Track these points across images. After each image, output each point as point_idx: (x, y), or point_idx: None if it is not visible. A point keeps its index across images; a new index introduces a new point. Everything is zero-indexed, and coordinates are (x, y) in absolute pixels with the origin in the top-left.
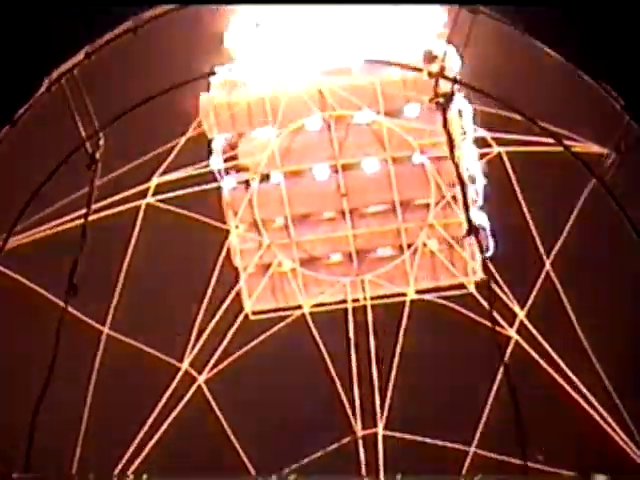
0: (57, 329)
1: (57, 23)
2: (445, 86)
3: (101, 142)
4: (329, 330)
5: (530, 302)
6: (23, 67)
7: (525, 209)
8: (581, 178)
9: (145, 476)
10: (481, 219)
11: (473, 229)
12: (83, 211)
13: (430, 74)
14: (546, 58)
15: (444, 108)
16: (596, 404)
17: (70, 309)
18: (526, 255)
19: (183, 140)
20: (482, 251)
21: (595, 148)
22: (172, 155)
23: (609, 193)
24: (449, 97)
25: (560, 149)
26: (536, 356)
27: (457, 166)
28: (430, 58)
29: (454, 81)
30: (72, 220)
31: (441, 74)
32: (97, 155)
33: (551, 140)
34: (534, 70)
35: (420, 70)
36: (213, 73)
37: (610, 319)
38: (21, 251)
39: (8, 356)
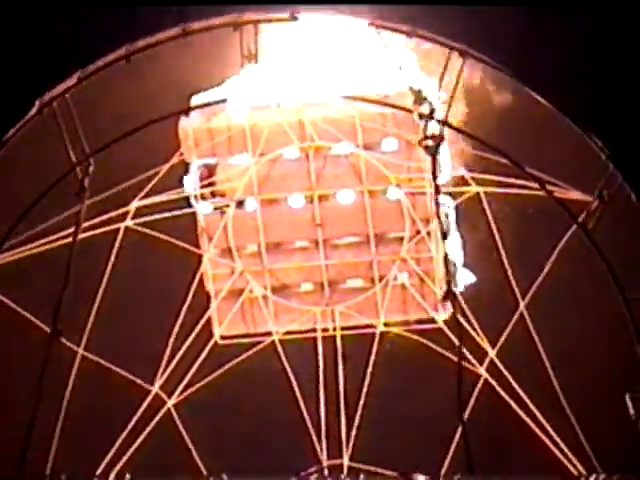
0: (43, 364)
1: (50, 47)
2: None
3: (91, 168)
4: (299, 358)
5: (502, 343)
6: (14, 90)
7: (502, 251)
8: (561, 224)
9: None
10: (453, 253)
11: (451, 294)
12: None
13: (421, 116)
14: (533, 102)
15: (433, 151)
16: (562, 445)
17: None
18: (502, 297)
19: (166, 167)
20: (453, 285)
21: (578, 195)
22: (155, 180)
23: (589, 239)
24: (438, 140)
25: (541, 193)
26: (503, 394)
27: (438, 206)
28: (419, 99)
29: (444, 124)
30: (56, 240)
31: (431, 116)
32: (86, 182)
33: (532, 184)
34: (520, 114)
35: (410, 111)
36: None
37: (583, 364)
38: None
39: None
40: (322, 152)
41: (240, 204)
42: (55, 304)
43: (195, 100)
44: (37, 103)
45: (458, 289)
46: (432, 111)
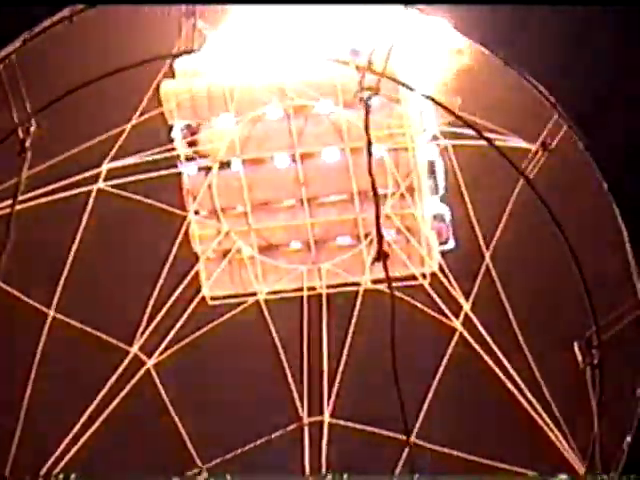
0: None
1: None
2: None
3: (32, 128)
4: (285, 317)
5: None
6: None
7: (469, 205)
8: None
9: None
10: (442, 209)
11: (382, 254)
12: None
13: (357, 68)
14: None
15: (367, 103)
16: (531, 398)
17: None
18: (473, 250)
19: (129, 125)
20: (442, 243)
21: (521, 143)
22: (120, 140)
23: (532, 188)
24: (373, 91)
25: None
26: (477, 346)
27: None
28: (355, 52)
29: (381, 75)
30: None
31: (368, 68)
32: (27, 142)
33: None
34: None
35: (347, 64)
36: (175, 55)
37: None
38: None
39: None
40: (304, 112)
41: (225, 165)
42: None
43: (178, 64)
44: None
45: (450, 244)
46: (369, 63)
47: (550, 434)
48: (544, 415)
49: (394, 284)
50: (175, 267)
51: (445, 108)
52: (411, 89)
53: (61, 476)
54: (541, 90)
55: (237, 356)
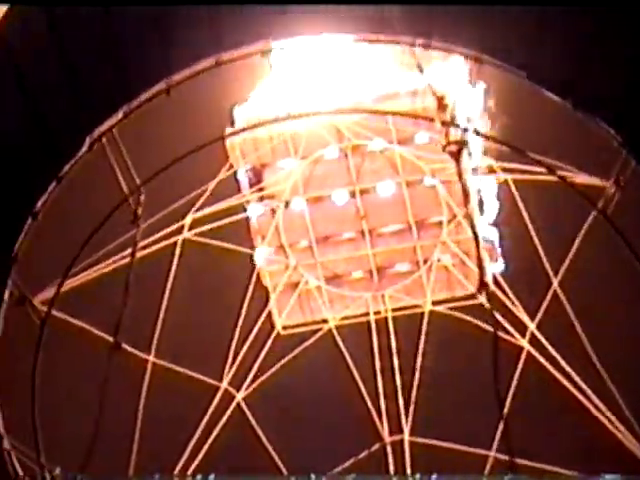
0: (105, 376)
1: (95, 85)
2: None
3: (142, 197)
4: (354, 342)
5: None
6: (66, 129)
7: (533, 233)
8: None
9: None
10: (490, 234)
11: (484, 285)
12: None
13: (443, 123)
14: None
15: (457, 157)
16: (602, 407)
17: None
18: (537, 275)
19: (215, 181)
20: (492, 262)
21: (596, 181)
22: (204, 196)
23: (607, 220)
24: (461, 145)
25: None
26: (546, 363)
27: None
28: (442, 105)
29: (464, 130)
30: (120, 260)
31: (452, 123)
32: (139, 211)
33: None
34: (537, 109)
35: (433, 120)
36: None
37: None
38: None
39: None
40: (360, 150)
41: (288, 204)
42: (117, 319)
43: (237, 112)
44: (87, 140)
45: (497, 267)
46: (453, 118)
47: (633, 448)
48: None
49: (456, 304)
50: (253, 302)
51: (514, 148)
52: (496, 141)
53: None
54: (609, 131)
55: (314, 383)
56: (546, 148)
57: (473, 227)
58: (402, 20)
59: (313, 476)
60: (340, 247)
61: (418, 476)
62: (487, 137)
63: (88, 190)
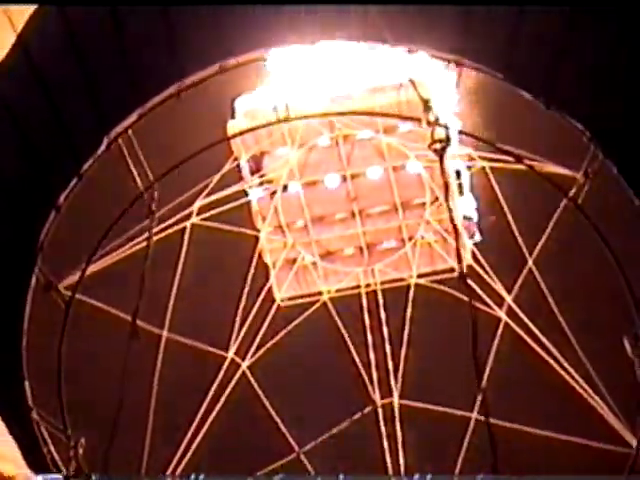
0: (125, 355)
1: (112, 89)
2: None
3: (155, 194)
4: (347, 312)
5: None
6: (85, 130)
7: (509, 216)
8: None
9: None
10: (469, 211)
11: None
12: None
13: (428, 123)
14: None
15: (441, 154)
16: (573, 373)
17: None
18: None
19: (219, 174)
20: (471, 237)
21: (568, 172)
22: (212, 184)
23: (577, 206)
24: (445, 143)
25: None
26: (522, 334)
27: (450, 210)
28: (427, 107)
29: (447, 128)
30: (135, 245)
31: (436, 123)
32: (153, 206)
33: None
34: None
35: (419, 120)
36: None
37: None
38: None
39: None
40: (349, 139)
41: (285, 188)
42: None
43: (238, 103)
44: (105, 140)
45: (477, 239)
46: (437, 118)
47: (602, 411)
48: (595, 397)
49: (438, 277)
50: (255, 277)
51: (486, 141)
52: (477, 138)
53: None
54: (578, 127)
55: (311, 351)
56: (526, 143)
57: (450, 212)
58: (383, 21)
59: (342, 476)
60: (333, 226)
61: (416, 477)
62: (466, 133)
63: (105, 186)
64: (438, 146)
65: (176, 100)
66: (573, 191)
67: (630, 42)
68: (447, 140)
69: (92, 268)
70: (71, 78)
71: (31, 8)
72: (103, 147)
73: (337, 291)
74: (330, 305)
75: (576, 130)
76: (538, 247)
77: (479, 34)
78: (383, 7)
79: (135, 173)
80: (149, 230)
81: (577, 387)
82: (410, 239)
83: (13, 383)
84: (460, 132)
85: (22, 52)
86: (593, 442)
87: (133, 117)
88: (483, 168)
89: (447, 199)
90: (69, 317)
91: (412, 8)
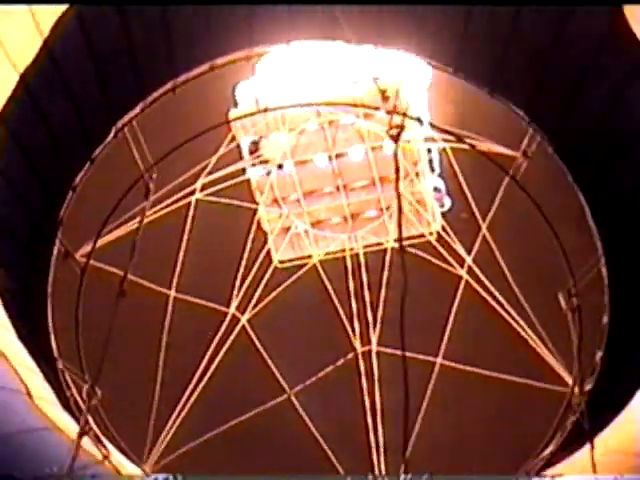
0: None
1: (119, 85)
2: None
3: (154, 175)
4: (334, 273)
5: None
6: (97, 121)
7: (467, 190)
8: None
9: None
10: (439, 183)
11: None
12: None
13: (387, 111)
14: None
15: (396, 138)
16: (524, 325)
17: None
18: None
19: (219, 153)
20: (441, 206)
21: (509, 152)
22: (209, 167)
23: (519, 186)
24: (400, 129)
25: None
26: (480, 290)
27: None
28: (385, 97)
29: (404, 115)
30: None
31: (394, 111)
32: (151, 186)
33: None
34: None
35: (378, 109)
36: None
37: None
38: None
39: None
40: (334, 124)
41: (280, 167)
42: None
43: (239, 88)
44: (113, 129)
45: (445, 207)
46: (395, 107)
47: (544, 354)
48: (538, 341)
49: (410, 242)
50: (254, 243)
51: (446, 131)
52: (433, 126)
53: None
54: (518, 112)
55: (303, 307)
56: (488, 127)
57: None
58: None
59: (370, 477)
60: (321, 199)
61: (409, 476)
62: (411, 118)
63: (114, 169)
64: (394, 132)
65: (172, 95)
66: (513, 169)
67: (569, 31)
68: (402, 127)
69: (104, 239)
70: (86, 75)
71: (55, 14)
72: (112, 135)
73: (325, 254)
74: (319, 266)
75: (516, 115)
76: (489, 215)
77: (432, 33)
78: (347, 7)
79: (137, 157)
80: (143, 209)
81: (524, 334)
82: (387, 209)
83: (44, 339)
84: (406, 116)
85: (47, 54)
86: (539, 383)
87: (137, 110)
88: (444, 149)
89: (398, 179)
90: (84, 280)
91: (375, 9)
